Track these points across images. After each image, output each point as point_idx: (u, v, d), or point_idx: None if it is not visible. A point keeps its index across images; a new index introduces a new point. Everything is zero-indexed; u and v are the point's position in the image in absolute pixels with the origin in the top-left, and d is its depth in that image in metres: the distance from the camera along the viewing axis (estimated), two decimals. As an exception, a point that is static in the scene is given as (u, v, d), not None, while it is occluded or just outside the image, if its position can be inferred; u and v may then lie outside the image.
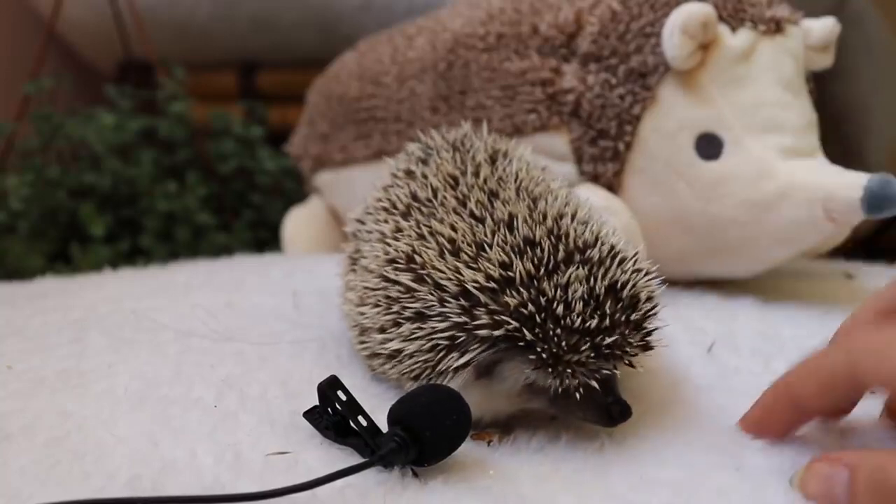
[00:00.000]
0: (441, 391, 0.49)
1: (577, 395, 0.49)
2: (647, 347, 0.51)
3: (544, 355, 0.48)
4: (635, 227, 0.78)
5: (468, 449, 0.49)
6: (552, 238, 0.51)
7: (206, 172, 1.22)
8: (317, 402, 0.51)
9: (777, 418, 0.49)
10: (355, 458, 0.48)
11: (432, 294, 0.51)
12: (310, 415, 0.52)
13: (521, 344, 0.48)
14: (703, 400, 0.56)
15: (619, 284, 0.50)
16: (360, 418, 0.48)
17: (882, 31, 1.38)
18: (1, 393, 0.57)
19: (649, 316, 0.51)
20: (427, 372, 0.52)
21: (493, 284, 0.49)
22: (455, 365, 0.50)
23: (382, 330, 0.54)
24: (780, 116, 0.77)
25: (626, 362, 0.50)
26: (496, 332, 0.49)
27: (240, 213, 1.25)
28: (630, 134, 0.79)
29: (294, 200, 1.19)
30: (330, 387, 0.49)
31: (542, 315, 0.48)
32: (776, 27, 0.79)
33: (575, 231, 0.52)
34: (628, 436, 0.52)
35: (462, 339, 0.50)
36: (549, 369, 0.49)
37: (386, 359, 0.55)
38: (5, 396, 0.57)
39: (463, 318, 0.49)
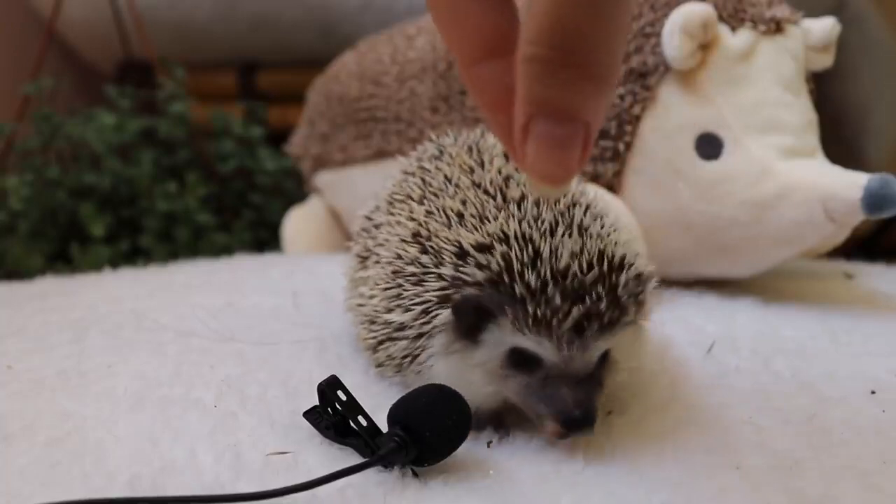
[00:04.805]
0: (441, 391, 0.49)
1: (548, 389, 0.48)
2: (626, 311, 0.49)
3: (527, 300, 0.47)
4: (635, 228, 0.78)
5: (468, 449, 0.49)
6: (558, 216, 0.51)
7: (206, 172, 1.22)
8: (317, 402, 0.51)
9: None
10: (355, 458, 0.48)
11: (432, 260, 0.51)
12: (310, 415, 0.52)
13: (504, 291, 0.47)
14: (703, 400, 0.56)
15: (609, 250, 0.49)
16: (360, 418, 0.48)
17: (882, 31, 1.38)
18: (1, 393, 0.57)
19: (638, 281, 0.50)
20: (422, 342, 0.51)
21: (488, 241, 0.50)
22: (440, 323, 0.50)
23: (388, 310, 0.55)
24: (779, 116, 0.77)
25: (606, 320, 0.48)
26: (480, 276, 0.48)
27: (240, 213, 1.25)
28: (630, 134, 0.79)
29: (294, 200, 1.19)
30: (330, 387, 0.49)
31: (529, 262, 0.47)
32: (776, 27, 0.79)
33: (583, 218, 0.52)
34: (628, 436, 0.52)
35: (451, 293, 0.50)
36: (531, 315, 0.47)
37: (390, 341, 0.55)
38: (5, 396, 0.57)
39: (454, 273, 0.50)
